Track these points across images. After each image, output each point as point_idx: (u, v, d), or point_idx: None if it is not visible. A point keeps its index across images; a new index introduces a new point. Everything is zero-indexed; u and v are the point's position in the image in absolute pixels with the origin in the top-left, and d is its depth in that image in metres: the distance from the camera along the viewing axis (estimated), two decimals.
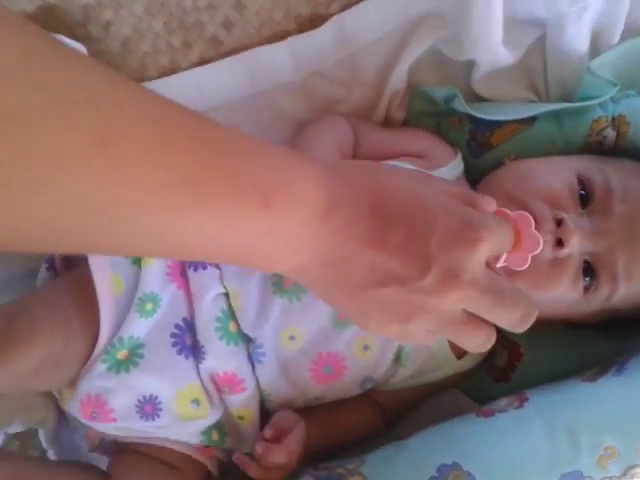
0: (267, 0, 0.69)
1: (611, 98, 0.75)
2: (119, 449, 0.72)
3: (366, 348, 0.69)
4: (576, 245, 0.65)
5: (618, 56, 0.75)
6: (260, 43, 0.71)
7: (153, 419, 0.67)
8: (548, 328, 0.75)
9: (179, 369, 0.67)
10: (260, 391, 0.71)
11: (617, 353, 0.73)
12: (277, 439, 0.67)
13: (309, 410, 0.74)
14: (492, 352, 0.79)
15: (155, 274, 0.67)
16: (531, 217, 0.56)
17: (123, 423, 0.67)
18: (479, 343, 0.53)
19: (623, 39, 0.75)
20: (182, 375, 0.67)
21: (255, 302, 0.68)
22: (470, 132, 0.79)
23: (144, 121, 0.37)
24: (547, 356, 0.77)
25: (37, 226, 0.35)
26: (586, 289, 0.67)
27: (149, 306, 0.66)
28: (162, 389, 0.67)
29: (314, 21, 0.72)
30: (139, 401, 0.67)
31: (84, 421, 0.68)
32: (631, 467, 0.59)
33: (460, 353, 0.73)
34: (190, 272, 0.68)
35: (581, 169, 0.69)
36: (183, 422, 0.69)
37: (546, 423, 0.63)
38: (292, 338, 0.69)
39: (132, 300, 0.66)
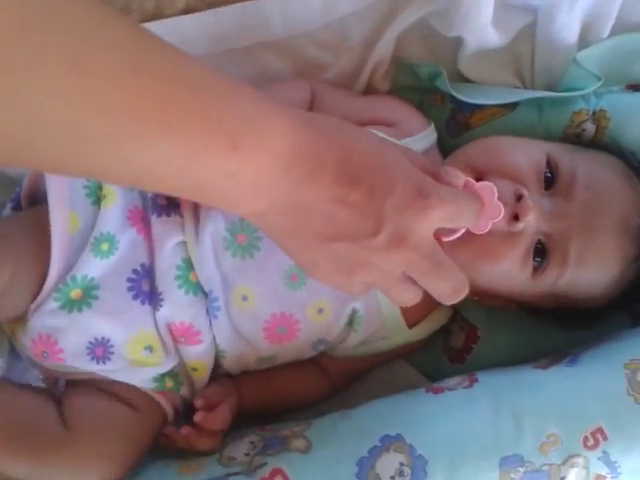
0: None
1: (594, 92, 0.75)
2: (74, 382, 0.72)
3: (320, 311, 0.70)
4: (532, 222, 0.65)
5: (606, 50, 0.75)
6: None
7: (104, 362, 0.67)
8: (505, 313, 0.76)
9: (133, 314, 0.66)
10: (215, 346, 0.71)
11: (572, 344, 0.74)
12: (210, 409, 0.70)
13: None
14: (449, 331, 0.81)
15: (114, 216, 0.66)
16: (495, 188, 0.58)
17: (73, 363, 0.67)
18: (404, 300, 0.57)
19: (613, 34, 0.75)
20: (136, 320, 0.66)
21: (209, 254, 0.68)
22: (451, 111, 0.79)
23: (120, 47, 0.38)
24: (503, 341, 0.78)
25: (9, 137, 0.36)
26: (535, 269, 0.67)
27: (105, 246, 0.66)
28: (115, 333, 0.66)
29: None
30: (90, 343, 0.66)
31: (36, 360, 0.68)
32: (572, 456, 0.59)
33: (412, 322, 0.74)
34: (153, 218, 0.67)
35: (551, 151, 0.69)
36: (135, 368, 0.68)
37: (493, 404, 0.64)
38: (245, 298, 0.68)
39: (88, 240, 0.66)
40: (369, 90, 0.79)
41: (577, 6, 0.71)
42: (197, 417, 0.68)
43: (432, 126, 0.76)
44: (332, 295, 0.69)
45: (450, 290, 0.56)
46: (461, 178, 0.57)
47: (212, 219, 0.68)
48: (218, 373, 0.74)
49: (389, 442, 0.62)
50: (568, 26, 0.73)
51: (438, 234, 0.56)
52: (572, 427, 0.61)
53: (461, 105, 0.78)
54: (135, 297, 0.66)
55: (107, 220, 0.66)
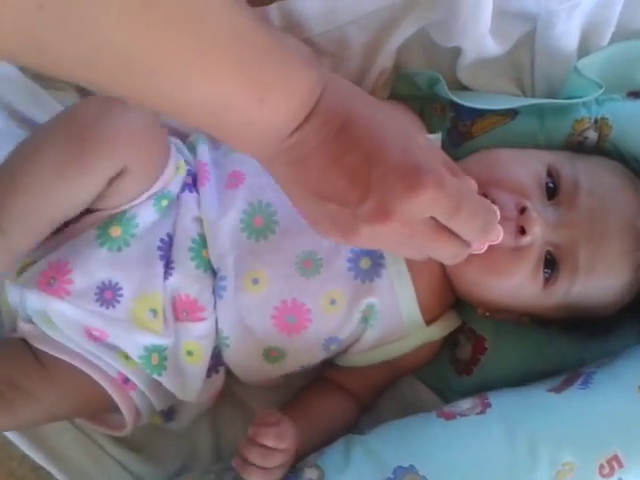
0: None
1: (596, 100, 0.75)
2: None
3: (333, 303, 0.68)
4: (538, 234, 0.65)
5: (606, 58, 0.75)
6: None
7: (107, 307, 0.66)
8: (514, 324, 0.75)
9: (154, 273, 0.67)
10: (218, 332, 0.70)
11: (581, 354, 0.73)
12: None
13: (290, 406, 0.73)
14: (455, 343, 0.79)
15: (178, 181, 0.69)
16: (498, 211, 0.58)
17: (75, 299, 0.65)
18: (412, 257, 0.61)
19: (613, 41, 0.76)
20: (154, 280, 0.66)
21: (224, 235, 0.68)
22: (452, 120, 0.79)
23: None
24: (511, 352, 0.77)
25: (74, 59, 0.40)
26: (546, 281, 0.67)
27: (164, 203, 0.68)
28: (130, 284, 0.66)
29: None
30: (103, 283, 0.66)
31: (34, 292, 0.65)
32: None
33: (429, 319, 0.72)
34: (183, 194, 0.70)
35: (551, 161, 0.69)
36: (133, 326, 0.67)
37: (507, 431, 0.62)
38: (256, 282, 0.68)
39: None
40: None
41: (576, 14, 0.72)
42: (251, 431, 0.63)
43: (439, 135, 0.75)
44: (347, 287, 0.68)
45: (451, 255, 0.57)
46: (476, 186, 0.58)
47: (232, 201, 0.69)
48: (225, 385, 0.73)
49: (402, 474, 0.61)
50: (567, 34, 0.73)
51: None
52: (588, 455, 0.60)
53: (462, 114, 0.78)
54: (161, 258, 0.67)
55: (177, 183, 0.69)
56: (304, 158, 0.52)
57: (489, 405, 0.66)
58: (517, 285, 0.67)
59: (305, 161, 0.52)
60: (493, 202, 0.60)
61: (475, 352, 0.79)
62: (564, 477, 0.59)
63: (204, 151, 0.73)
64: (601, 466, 0.60)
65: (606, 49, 0.75)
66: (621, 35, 0.76)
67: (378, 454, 0.63)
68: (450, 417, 0.66)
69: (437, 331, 0.73)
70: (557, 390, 0.66)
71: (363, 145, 0.51)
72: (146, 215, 0.67)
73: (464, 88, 0.80)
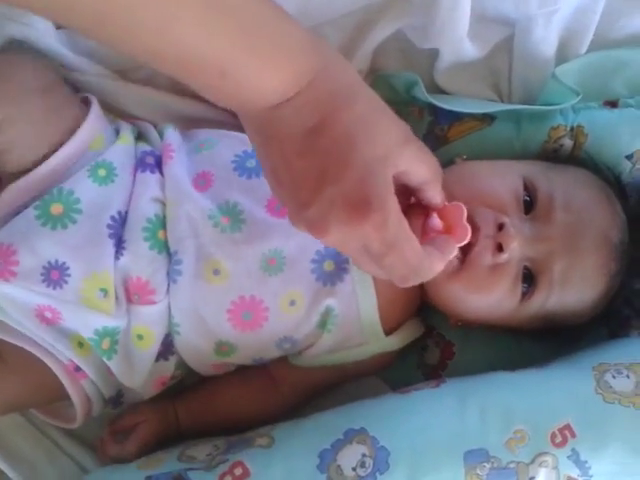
0: None
1: (572, 108, 0.75)
2: None
3: (292, 304, 0.67)
4: (516, 250, 0.65)
5: (584, 66, 0.76)
6: None
7: (55, 288, 0.64)
8: (481, 329, 0.75)
9: (104, 252, 0.65)
10: (170, 318, 0.68)
11: (548, 360, 0.72)
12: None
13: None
14: (424, 348, 0.79)
15: (122, 152, 0.69)
16: (464, 208, 0.58)
17: (22, 281, 0.64)
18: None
19: (592, 50, 0.76)
20: (104, 259, 0.65)
21: (186, 217, 0.67)
22: (429, 124, 0.79)
23: None
24: (479, 357, 0.77)
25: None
26: (523, 295, 0.68)
27: (102, 172, 0.67)
28: (78, 263, 0.64)
29: None
30: (49, 263, 0.64)
31: None
32: (540, 454, 0.58)
33: (389, 329, 0.71)
34: (138, 173, 0.69)
35: (527, 174, 0.69)
36: (83, 307, 0.65)
37: (459, 400, 0.63)
38: (216, 273, 0.67)
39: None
40: None
41: (554, 20, 0.72)
42: (99, 443, 0.73)
43: None
44: (308, 288, 0.67)
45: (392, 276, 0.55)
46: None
47: (200, 201, 0.68)
48: (173, 376, 0.72)
49: (353, 435, 0.61)
50: (545, 40, 0.73)
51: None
52: (539, 423, 0.60)
53: (439, 117, 0.78)
54: (111, 236, 0.66)
55: (115, 152, 0.68)
56: (273, 136, 0.51)
57: (444, 381, 0.67)
58: (495, 301, 0.68)
59: (272, 140, 0.51)
60: (471, 218, 0.60)
61: (443, 357, 0.78)
62: (516, 445, 0.59)
63: (172, 135, 0.72)
64: (553, 434, 0.59)
65: (584, 57, 0.76)
66: (599, 44, 0.76)
67: (330, 420, 0.64)
68: (406, 392, 0.67)
69: (395, 341, 0.72)
70: (511, 370, 0.67)
71: (326, 157, 0.50)
72: (84, 188, 0.66)
73: (442, 92, 0.80)
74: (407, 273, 0.53)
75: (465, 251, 0.64)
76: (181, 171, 0.69)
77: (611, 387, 0.62)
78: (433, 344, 0.79)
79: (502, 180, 0.68)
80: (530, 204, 0.68)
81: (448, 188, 0.59)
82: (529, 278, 0.67)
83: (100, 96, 0.72)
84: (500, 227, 0.64)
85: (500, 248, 0.64)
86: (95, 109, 0.70)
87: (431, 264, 0.54)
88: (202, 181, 0.69)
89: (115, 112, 0.75)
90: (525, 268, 0.67)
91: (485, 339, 0.77)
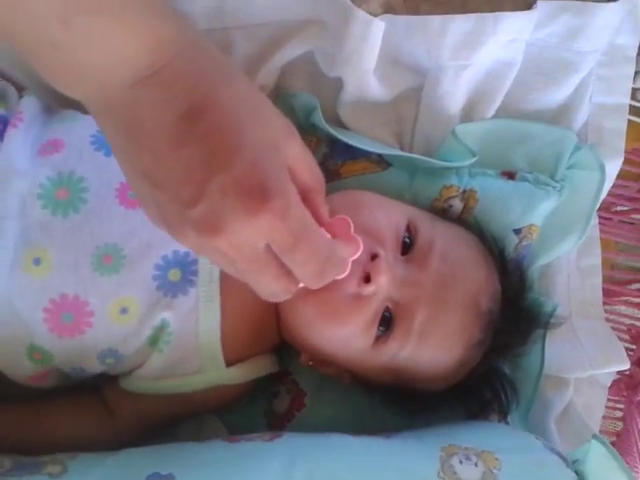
0: None
1: (469, 171, 0.73)
2: None
3: (124, 312, 0.59)
4: (383, 286, 0.61)
5: (487, 130, 0.74)
6: None
7: None
8: (339, 384, 0.70)
9: None
10: None
11: (400, 429, 0.67)
12: None
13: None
14: (275, 394, 0.73)
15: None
16: (350, 220, 0.54)
17: None
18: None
19: (498, 116, 0.75)
20: None
21: (13, 194, 0.59)
22: (323, 156, 0.76)
23: None
24: (329, 414, 0.72)
25: None
26: (377, 338, 0.63)
27: None
28: None
29: None
30: None
31: None
32: None
33: (231, 360, 0.64)
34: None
35: (413, 217, 0.66)
36: None
37: (287, 463, 0.55)
38: (37, 262, 0.58)
39: None
40: None
41: (464, 75, 0.71)
42: None
43: None
44: (145, 296, 0.60)
45: (271, 293, 0.51)
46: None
47: (38, 165, 0.60)
48: None
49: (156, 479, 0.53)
50: (452, 94, 0.72)
51: None
52: None
53: (334, 152, 0.75)
54: None
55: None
56: (137, 126, 0.44)
57: (280, 436, 0.60)
58: (347, 335, 0.63)
59: (137, 131, 0.44)
60: None
61: (292, 407, 0.73)
62: None
63: (28, 103, 0.65)
64: None
65: (489, 121, 0.74)
66: (508, 112, 0.74)
67: (135, 460, 0.56)
68: (234, 440, 0.59)
69: (237, 375, 0.65)
70: (355, 435, 0.61)
71: (208, 143, 0.43)
72: None
73: (342, 127, 0.76)
74: (321, 267, 0.48)
75: None
76: (23, 141, 0.61)
77: (455, 473, 0.56)
78: (285, 391, 0.74)
79: (386, 214, 0.65)
80: (408, 246, 0.65)
81: (333, 209, 0.55)
82: (387, 322, 0.63)
83: None
84: (373, 257, 0.61)
85: (367, 279, 0.60)
86: None
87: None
88: (50, 147, 0.61)
89: None
90: (386, 310, 0.62)
91: (339, 394, 0.72)
